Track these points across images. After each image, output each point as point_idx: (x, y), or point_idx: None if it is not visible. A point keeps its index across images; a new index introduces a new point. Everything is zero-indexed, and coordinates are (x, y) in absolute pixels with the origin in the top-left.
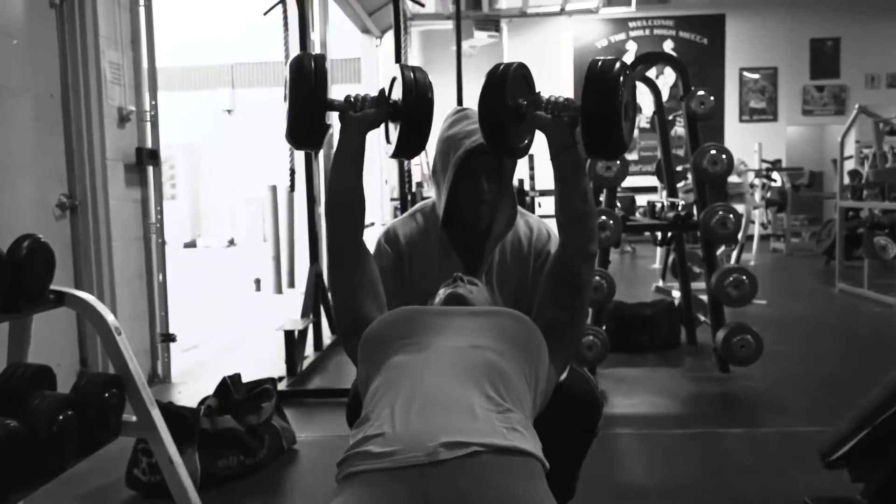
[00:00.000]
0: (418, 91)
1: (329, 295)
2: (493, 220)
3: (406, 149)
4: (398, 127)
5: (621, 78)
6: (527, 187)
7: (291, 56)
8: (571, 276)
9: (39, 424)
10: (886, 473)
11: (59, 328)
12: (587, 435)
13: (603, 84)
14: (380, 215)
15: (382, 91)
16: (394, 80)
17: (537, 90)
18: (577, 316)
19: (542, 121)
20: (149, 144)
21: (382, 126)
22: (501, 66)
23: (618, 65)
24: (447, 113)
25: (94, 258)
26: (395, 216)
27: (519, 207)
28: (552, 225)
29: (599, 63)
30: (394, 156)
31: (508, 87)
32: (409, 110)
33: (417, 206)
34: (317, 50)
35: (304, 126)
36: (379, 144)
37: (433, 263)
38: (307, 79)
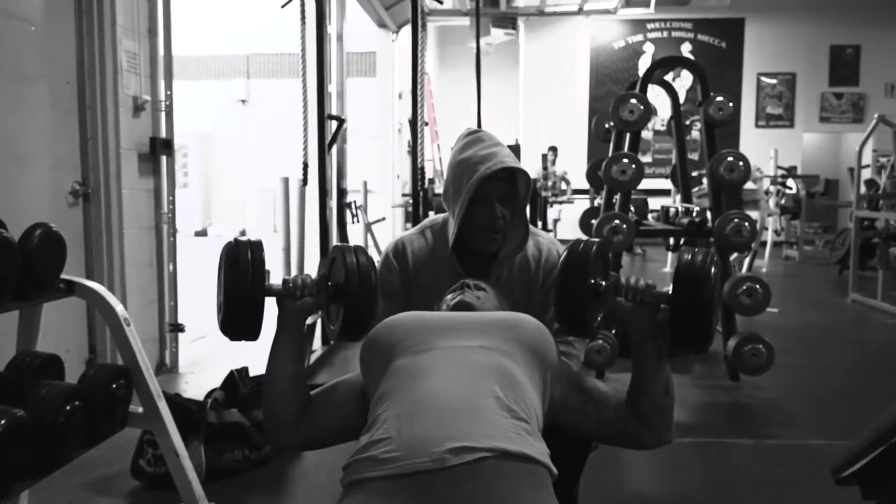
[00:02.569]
0: (361, 276)
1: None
2: (503, 243)
3: (353, 330)
4: (341, 310)
5: (713, 272)
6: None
7: (308, 48)
8: (631, 443)
9: (46, 414)
10: None
11: (68, 316)
12: (581, 451)
13: (696, 278)
14: (391, 211)
15: (323, 275)
16: (333, 260)
17: (613, 273)
18: (603, 441)
19: (624, 308)
20: (163, 134)
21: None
22: (583, 244)
23: (710, 258)
24: (461, 133)
25: (106, 246)
26: (407, 212)
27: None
28: (563, 243)
29: (691, 256)
30: (339, 338)
31: (590, 265)
32: (353, 296)
33: (427, 221)
34: (333, 42)
35: (239, 321)
36: (393, 131)
37: (439, 286)
38: (243, 273)
